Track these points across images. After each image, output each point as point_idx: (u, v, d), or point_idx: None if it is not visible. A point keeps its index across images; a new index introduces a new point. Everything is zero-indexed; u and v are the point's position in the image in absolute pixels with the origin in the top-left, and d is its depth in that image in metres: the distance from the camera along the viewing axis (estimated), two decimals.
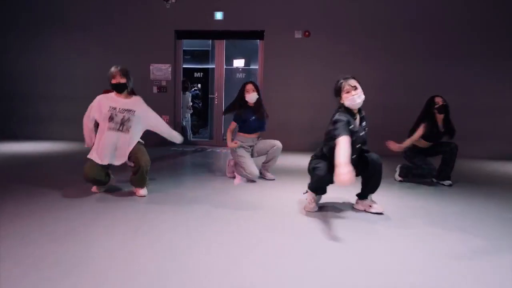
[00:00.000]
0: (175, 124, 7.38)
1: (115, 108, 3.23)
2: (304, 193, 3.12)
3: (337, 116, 2.77)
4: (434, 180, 4.26)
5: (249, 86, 4.12)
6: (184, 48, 7.62)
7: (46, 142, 6.93)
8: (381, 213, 2.96)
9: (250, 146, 4.20)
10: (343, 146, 2.50)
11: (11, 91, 7.62)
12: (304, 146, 6.72)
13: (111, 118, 3.20)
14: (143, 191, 3.30)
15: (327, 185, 2.93)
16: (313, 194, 3.01)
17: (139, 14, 7.20)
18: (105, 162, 3.19)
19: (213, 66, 7.93)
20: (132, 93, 3.47)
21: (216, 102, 7.50)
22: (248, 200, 3.31)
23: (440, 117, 4.10)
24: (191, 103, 8.10)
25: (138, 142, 3.30)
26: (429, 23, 6.53)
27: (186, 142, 7.61)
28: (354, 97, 2.78)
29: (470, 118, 6.32)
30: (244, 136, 4.18)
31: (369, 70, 6.44)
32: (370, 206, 3.03)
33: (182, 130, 7.61)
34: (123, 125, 3.21)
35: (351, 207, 3.17)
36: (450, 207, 3.28)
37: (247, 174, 4.07)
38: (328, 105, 6.54)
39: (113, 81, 3.25)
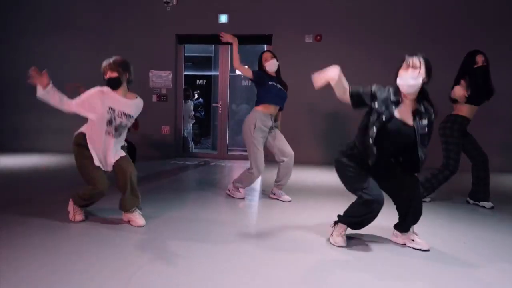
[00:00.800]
0: (176, 135, 6.87)
1: (114, 110, 2.75)
2: (332, 226, 2.58)
3: (377, 86, 2.34)
4: (471, 201, 3.74)
5: (267, 54, 3.70)
6: (185, 55, 7.14)
7: (34, 155, 6.41)
8: (426, 250, 2.42)
9: (268, 129, 3.62)
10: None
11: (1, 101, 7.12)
12: (315, 158, 6.21)
13: (109, 122, 2.75)
14: (140, 220, 2.78)
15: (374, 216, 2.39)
16: (345, 227, 2.51)
17: (138, 18, 6.74)
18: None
19: (216, 73, 7.45)
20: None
21: (220, 112, 6.99)
22: (266, 230, 2.77)
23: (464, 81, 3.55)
24: (193, 113, 7.59)
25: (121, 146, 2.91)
26: (446, 28, 6.06)
27: (187, 154, 7.10)
28: (407, 77, 2.22)
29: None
30: (263, 112, 3.57)
31: (387, 76, 5.95)
32: (413, 240, 2.50)
33: (183, 142, 7.11)
34: (117, 131, 2.79)
35: (388, 239, 2.63)
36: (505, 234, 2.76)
37: (250, 174, 3.59)
38: (343, 115, 6.14)
39: (105, 77, 2.80)
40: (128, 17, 6.78)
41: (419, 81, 2.21)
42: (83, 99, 2.71)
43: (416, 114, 2.29)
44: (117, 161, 2.78)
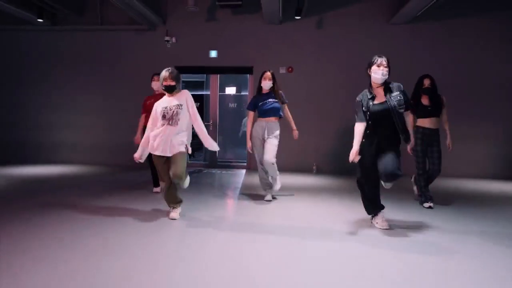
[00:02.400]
0: None
1: (166, 107, 3.57)
2: (371, 222, 3.58)
3: (358, 98, 3.41)
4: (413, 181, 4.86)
5: (267, 74, 4.58)
6: (183, 79, 8.57)
7: (57, 166, 7.71)
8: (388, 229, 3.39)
9: (262, 136, 4.54)
10: (355, 133, 3.37)
11: (25, 122, 8.45)
12: (293, 166, 7.60)
13: (163, 116, 3.55)
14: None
15: (376, 194, 3.45)
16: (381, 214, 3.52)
17: (143, 52, 8.17)
18: (160, 152, 3.55)
19: (208, 93, 8.87)
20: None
21: (211, 129, 8.40)
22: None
23: (425, 97, 4.52)
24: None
25: (183, 151, 3.58)
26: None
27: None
28: (379, 72, 3.21)
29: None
30: (258, 121, 4.60)
31: (351, 100, 7.42)
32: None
33: None
34: (172, 119, 3.54)
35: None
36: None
37: (260, 173, 4.60)
38: (312, 130, 7.55)
39: (164, 83, 3.58)
40: (137, 53, 8.20)
41: (387, 74, 3.24)
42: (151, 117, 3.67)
43: (385, 92, 3.28)
44: (172, 157, 3.55)
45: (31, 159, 8.24)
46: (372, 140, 3.32)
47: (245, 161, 8.34)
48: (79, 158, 8.24)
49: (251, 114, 4.68)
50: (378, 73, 3.23)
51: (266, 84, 4.58)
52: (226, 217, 4.02)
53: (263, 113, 4.58)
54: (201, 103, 10.47)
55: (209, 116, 8.54)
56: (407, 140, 3.36)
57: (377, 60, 3.26)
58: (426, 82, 4.50)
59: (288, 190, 5.45)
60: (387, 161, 3.18)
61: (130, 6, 6.87)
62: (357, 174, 3.48)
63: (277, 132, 4.60)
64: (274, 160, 4.48)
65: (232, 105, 9.50)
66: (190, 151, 3.69)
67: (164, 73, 3.60)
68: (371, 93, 3.34)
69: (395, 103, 3.22)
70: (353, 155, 3.34)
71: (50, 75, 8.40)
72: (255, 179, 4.90)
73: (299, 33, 7.88)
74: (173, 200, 3.75)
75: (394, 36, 7.63)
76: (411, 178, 4.96)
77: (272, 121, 4.59)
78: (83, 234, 3.17)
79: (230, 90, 9.86)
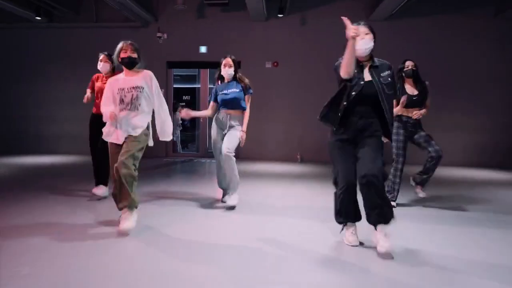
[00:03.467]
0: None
1: (123, 89, 2.94)
2: (341, 231, 2.80)
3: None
4: (413, 183, 4.22)
5: (226, 60, 3.88)
6: (175, 73, 9.05)
7: (55, 156, 8.18)
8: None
9: (222, 129, 3.86)
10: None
11: (26, 115, 8.89)
12: (278, 156, 8.11)
13: (121, 100, 2.94)
14: (125, 223, 2.75)
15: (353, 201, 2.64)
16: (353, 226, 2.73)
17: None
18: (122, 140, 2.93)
19: (199, 86, 9.30)
20: None
21: (201, 121, 8.88)
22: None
23: (408, 80, 4.03)
24: (181, 121, 9.48)
25: (144, 133, 3.01)
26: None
27: (176, 154, 8.97)
28: (363, 42, 2.58)
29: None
30: (219, 112, 3.89)
31: (328, 94, 7.91)
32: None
33: (172, 144, 8.97)
34: (131, 104, 2.94)
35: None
36: None
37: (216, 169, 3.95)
38: (296, 121, 8.06)
39: (123, 55, 2.94)
40: None
41: (372, 43, 2.61)
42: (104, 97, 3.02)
43: (371, 68, 2.60)
44: (125, 143, 2.89)
45: (32, 150, 8.69)
46: (350, 130, 2.63)
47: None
48: (77, 148, 8.69)
49: (211, 105, 3.96)
50: (362, 43, 2.59)
51: (227, 72, 3.87)
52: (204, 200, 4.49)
53: (224, 104, 3.85)
54: (193, 96, 10.98)
55: (200, 108, 9.02)
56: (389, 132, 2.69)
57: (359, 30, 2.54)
58: (409, 64, 4.06)
59: (275, 177, 5.96)
60: (366, 161, 2.51)
61: (123, 5, 7.30)
62: (334, 175, 2.73)
63: (240, 127, 3.86)
64: (232, 152, 3.69)
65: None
66: (151, 143, 3.21)
67: (122, 44, 2.97)
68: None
69: (384, 85, 2.59)
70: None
71: (48, 70, 8.82)
72: (240, 166, 5.19)
73: (283, 29, 8.35)
74: (126, 198, 2.80)
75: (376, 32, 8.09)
76: (410, 181, 4.29)
77: (233, 114, 3.85)
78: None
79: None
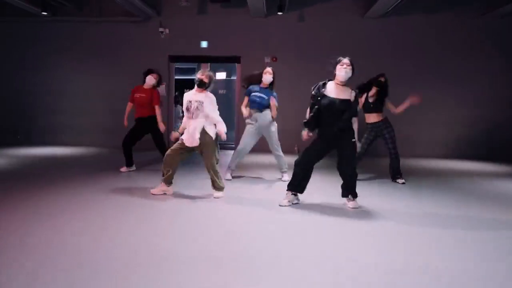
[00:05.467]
0: (168, 132, 8.98)
1: (190, 101, 4.11)
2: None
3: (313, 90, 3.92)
4: (392, 180, 5.45)
5: (268, 70, 5.13)
6: (176, 66, 9.29)
7: (61, 147, 8.44)
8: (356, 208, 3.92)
9: (256, 123, 5.14)
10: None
11: (31, 106, 9.10)
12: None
13: (187, 109, 4.11)
14: (216, 194, 4.24)
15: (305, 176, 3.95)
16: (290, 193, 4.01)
17: (140, 43, 8.80)
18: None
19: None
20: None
21: None
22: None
23: (375, 88, 5.23)
24: (182, 114, 9.74)
25: (209, 135, 4.11)
26: (389, 47, 8.39)
27: None
28: (343, 70, 3.68)
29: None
30: (253, 111, 5.14)
31: None
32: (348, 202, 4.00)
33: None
34: (194, 113, 4.07)
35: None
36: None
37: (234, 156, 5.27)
38: (293, 114, 8.34)
39: (199, 77, 4.10)
40: (133, 42, 8.83)
41: (350, 73, 3.70)
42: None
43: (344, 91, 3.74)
44: (201, 145, 4.12)
45: (38, 141, 8.93)
46: (326, 134, 3.85)
47: (233, 143, 9.14)
48: (81, 140, 8.94)
49: (246, 98, 5.19)
50: (342, 71, 3.69)
51: (267, 78, 5.09)
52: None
53: (252, 104, 5.13)
54: (192, 87, 11.20)
55: None
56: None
57: (342, 60, 3.73)
58: (382, 78, 5.30)
59: (273, 169, 6.30)
60: (347, 161, 3.88)
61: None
62: (299, 156, 3.98)
63: (273, 121, 5.24)
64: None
65: (221, 91, 10.22)
66: (223, 137, 4.15)
67: (203, 69, 4.26)
68: (324, 85, 3.83)
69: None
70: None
71: (52, 63, 8.99)
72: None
73: (282, 26, 8.60)
74: (171, 171, 4.20)
75: (368, 30, 8.40)
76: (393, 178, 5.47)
77: (263, 111, 5.13)
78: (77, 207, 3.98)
79: (220, 75, 10.52)
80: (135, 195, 4.21)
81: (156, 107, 5.64)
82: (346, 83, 3.80)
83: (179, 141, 4.17)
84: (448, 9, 8.30)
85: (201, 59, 8.98)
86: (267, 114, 5.17)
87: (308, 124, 3.88)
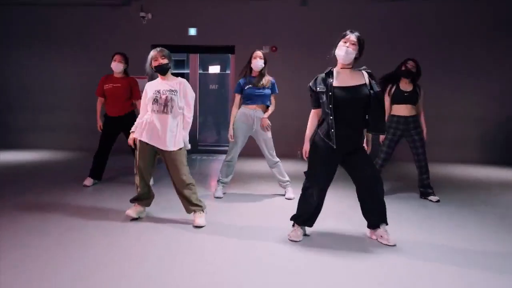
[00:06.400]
0: None
1: (158, 91, 3.16)
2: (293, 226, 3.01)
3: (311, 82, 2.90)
4: (422, 197, 4.34)
5: (257, 53, 4.09)
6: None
7: (28, 151, 7.25)
8: (393, 245, 2.83)
9: (252, 121, 4.11)
10: (309, 120, 2.95)
11: None
12: (277, 152, 7.31)
13: (155, 100, 3.15)
14: (198, 220, 3.17)
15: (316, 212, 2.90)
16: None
17: (118, 30, 7.63)
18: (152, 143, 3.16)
19: (189, 71, 8.43)
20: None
21: None
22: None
23: (405, 80, 4.21)
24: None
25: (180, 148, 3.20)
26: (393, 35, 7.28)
27: None
28: (343, 48, 2.73)
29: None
30: (244, 108, 4.14)
31: None
32: (381, 236, 2.90)
33: None
34: (166, 106, 3.14)
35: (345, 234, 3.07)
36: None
37: (222, 167, 4.21)
38: (295, 112, 7.26)
39: (155, 63, 3.17)
40: (108, 29, 7.66)
41: (353, 54, 2.73)
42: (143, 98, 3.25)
43: (355, 75, 2.77)
44: (169, 158, 3.17)
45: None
46: (337, 140, 2.73)
47: (227, 145, 8.02)
48: (50, 141, 7.77)
49: (237, 96, 4.19)
50: (342, 49, 2.74)
51: (257, 64, 4.05)
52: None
53: (248, 100, 4.14)
54: None
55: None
56: (383, 131, 2.91)
57: (347, 35, 2.77)
58: (410, 65, 4.17)
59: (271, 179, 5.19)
60: (366, 171, 2.83)
61: None
62: (309, 176, 2.90)
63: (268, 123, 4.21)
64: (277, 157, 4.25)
65: (213, 86, 9.08)
66: (188, 147, 3.29)
67: (153, 52, 3.19)
68: (327, 73, 2.84)
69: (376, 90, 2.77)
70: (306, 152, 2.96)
71: (15, 54, 7.80)
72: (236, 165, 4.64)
73: (283, 10, 7.46)
74: (148, 196, 3.36)
75: (379, 14, 7.29)
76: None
77: (260, 109, 4.17)
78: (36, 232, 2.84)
79: (214, 69, 9.42)
80: (93, 218, 3.11)
81: (137, 103, 4.50)
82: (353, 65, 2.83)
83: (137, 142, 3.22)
84: None
85: (189, 49, 7.82)
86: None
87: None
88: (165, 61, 3.17)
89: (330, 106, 2.72)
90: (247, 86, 4.13)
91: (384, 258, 2.63)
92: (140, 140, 3.20)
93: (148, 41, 7.61)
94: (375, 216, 2.93)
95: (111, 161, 4.87)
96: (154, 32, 7.57)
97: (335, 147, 2.72)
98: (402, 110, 4.25)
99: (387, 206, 2.95)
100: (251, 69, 4.13)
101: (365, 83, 2.77)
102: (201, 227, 3.16)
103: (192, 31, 7.55)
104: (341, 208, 3.88)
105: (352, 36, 2.75)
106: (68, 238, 2.86)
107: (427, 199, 4.30)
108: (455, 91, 7.28)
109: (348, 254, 2.68)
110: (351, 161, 2.85)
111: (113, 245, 2.75)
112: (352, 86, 2.75)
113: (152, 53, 3.20)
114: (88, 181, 4.53)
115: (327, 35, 7.39)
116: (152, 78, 3.34)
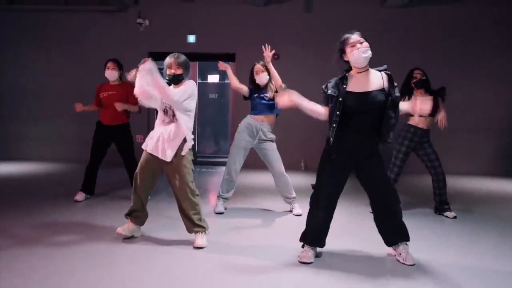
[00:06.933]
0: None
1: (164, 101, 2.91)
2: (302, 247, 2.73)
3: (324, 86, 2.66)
4: (436, 212, 4.07)
5: (258, 67, 3.90)
6: (158, 66, 7.82)
7: (15, 163, 6.91)
8: (412, 265, 2.58)
9: (256, 133, 3.86)
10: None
11: None
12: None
13: (164, 112, 2.94)
14: (199, 241, 2.85)
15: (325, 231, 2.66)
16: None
17: (114, 35, 7.37)
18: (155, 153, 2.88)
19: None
20: None
21: None
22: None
23: (419, 91, 3.93)
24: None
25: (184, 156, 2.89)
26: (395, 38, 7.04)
27: None
28: (360, 51, 2.47)
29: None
30: (251, 118, 3.89)
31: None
32: (400, 254, 2.66)
33: None
34: (175, 116, 2.90)
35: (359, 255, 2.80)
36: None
37: (223, 179, 3.90)
38: (299, 122, 6.97)
39: (168, 72, 2.96)
40: (104, 35, 7.40)
41: (370, 51, 2.49)
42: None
43: (373, 79, 2.54)
44: (171, 167, 2.87)
45: None
46: (348, 150, 2.56)
47: (227, 157, 7.71)
48: (41, 153, 7.44)
49: (245, 87, 3.94)
50: (359, 52, 2.48)
51: (262, 78, 3.86)
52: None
53: (255, 110, 3.90)
54: None
55: None
56: (385, 142, 2.58)
57: (352, 39, 2.52)
58: (418, 74, 3.93)
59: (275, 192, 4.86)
60: (384, 191, 2.63)
61: None
62: (316, 184, 2.68)
63: (273, 136, 3.96)
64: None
65: (213, 95, 8.81)
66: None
67: (169, 59, 2.96)
68: (342, 78, 2.60)
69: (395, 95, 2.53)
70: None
71: (8, 61, 7.51)
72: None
73: (286, 16, 7.23)
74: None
75: (387, 20, 7.07)
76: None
77: (267, 121, 3.90)
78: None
79: (213, 78, 9.15)
80: (90, 237, 2.77)
81: (134, 107, 4.31)
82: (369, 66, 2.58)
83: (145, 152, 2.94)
84: None
85: (188, 56, 7.43)
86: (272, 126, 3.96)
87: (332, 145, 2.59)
88: (180, 71, 2.95)
89: (338, 113, 2.52)
90: (256, 94, 3.91)
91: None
92: (145, 150, 2.96)
93: (146, 48, 7.37)
94: (392, 233, 2.69)
95: (103, 175, 4.54)
96: (152, 39, 7.33)
97: (333, 156, 2.56)
98: (421, 121, 3.95)
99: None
100: (256, 83, 3.92)
101: (383, 88, 2.54)
102: (202, 248, 2.83)
103: (191, 38, 7.30)
104: (353, 226, 3.56)
105: (356, 36, 2.55)
106: (54, 263, 2.52)
107: (443, 215, 4.00)
108: (466, 100, 7.02)
109: (361, 278, 2.36)
110: (364, 170, 2.65)
111: (105, 269, 2.41)
112: (368, 91, 2.52)
113: (168, 59, 2.98)
114: (80, 196, 4.20)
115: (331, 42, 7.17)
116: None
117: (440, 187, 4.00)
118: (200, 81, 8.32)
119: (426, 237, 3.24)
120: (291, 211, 3.99)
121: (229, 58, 7.40)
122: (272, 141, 3.94)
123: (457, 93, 6.95)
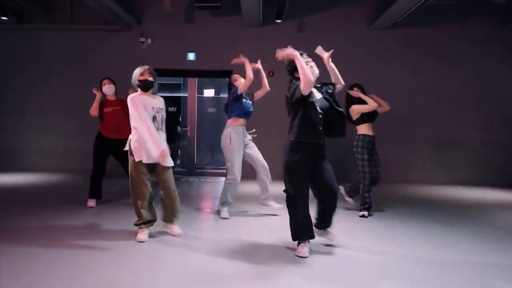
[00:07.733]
0: None
1: (154, 108, 3.26)
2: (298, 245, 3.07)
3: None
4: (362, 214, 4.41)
5: (235, 76, 4.43)
6: (159, 82, 8.22)
7: (18, 174, 7.20)
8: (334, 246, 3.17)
9: (244, 139, 4.29)
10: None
11: None
12: (273, 175, 7.36)
13: (154, 118, 3.23)
14: (176, 229, 3.38)
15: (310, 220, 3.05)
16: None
17: (118, 54, 7.75)
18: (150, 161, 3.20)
19: (186, 95, 8.52)
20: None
21: (189, 134, 8.08)
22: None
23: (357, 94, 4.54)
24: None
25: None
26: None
27: None
28: (314, 70, 3.11)
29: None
30: (236, 127, 4.25)
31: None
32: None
33: None
34: (162, 124, 3.32)
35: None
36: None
37: (227, 183, 4.17)
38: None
39: (141, 78, 3.25)
40: (110, 54, 7.78)
41: (316, 70, 3.16)
42: (140, 113, 3.17)
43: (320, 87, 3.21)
44: (159, 170, 3.31)
45: None
46: (313, 146, 3.05)
47: (224, 167, 8.06)
48: (47, 164, 7.74)
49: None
50: (314, 70, 3.19)
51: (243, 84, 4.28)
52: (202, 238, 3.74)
53: (246, 114, 4.36)
54: (178, 107, 10.12)
55: (187, 121, 8.22)
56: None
57: (304, 60, 3.09)
58: (355, 93, 4.51)
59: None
60: (331, 177, 3.08)
61: (102, 4, 6.49)
62: (289, 190, 3.01)
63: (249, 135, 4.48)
64: None
65: (211, 109, 9.20)
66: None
67: (139, 69, 3.30)
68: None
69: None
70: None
71: (15, 77, 7.87)
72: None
73: (280, 36, 7.68)
74: (152, 216, 3.42)
75: (375, 41, 7.56)
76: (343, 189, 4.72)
77: (246, 123, 4.44)
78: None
79: (209, 93, 9.54)
80: (104, 244, 3.10)
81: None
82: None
83: (139, 160, 3.22)
84: (462, 19, 7.53)
85: (188, 73, 7.97)
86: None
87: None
88: (151, 79, 3.28)
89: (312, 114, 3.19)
90: (244, 99, 4.34)
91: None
92: (140, 161, 3.19)
93: (148, 65, 7.71)
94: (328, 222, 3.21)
95: (105, 185, 4.83)
96: (154, 57, 7.71)
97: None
98: (372, 129, 4.50)
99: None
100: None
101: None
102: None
103: (191, 56, 7.72)
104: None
105: (306, 57, 3.23)
106: (71, 265, 2.85)
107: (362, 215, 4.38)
108: (452, 113, 7.49)
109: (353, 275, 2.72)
110: (319, 172, 3.13)
111: (121, 269, 2.74)
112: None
113: (141, 68, 3.30)
114: (92, 202, 4.54)
115: (321, 59, 7.66)
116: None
117: (370, 190, 4.42)
118: (197, 95, 8.70)
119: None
120: (271, 207, 4.42)
121: (226, 74, 7.81)
122: (250, 140, 4.44)
123: (445, 111, 7.44)
